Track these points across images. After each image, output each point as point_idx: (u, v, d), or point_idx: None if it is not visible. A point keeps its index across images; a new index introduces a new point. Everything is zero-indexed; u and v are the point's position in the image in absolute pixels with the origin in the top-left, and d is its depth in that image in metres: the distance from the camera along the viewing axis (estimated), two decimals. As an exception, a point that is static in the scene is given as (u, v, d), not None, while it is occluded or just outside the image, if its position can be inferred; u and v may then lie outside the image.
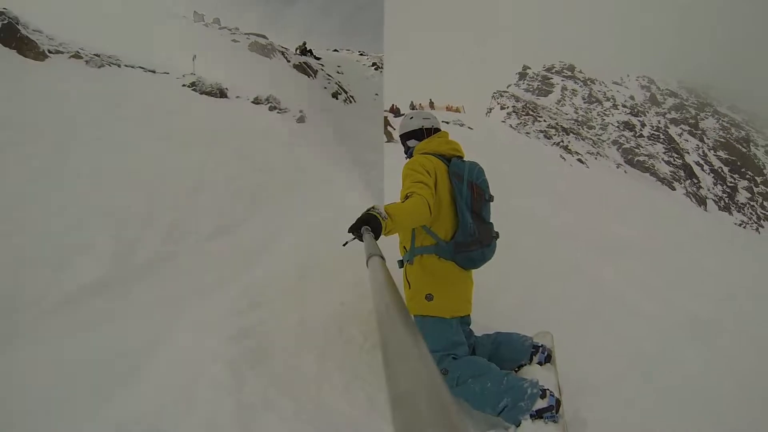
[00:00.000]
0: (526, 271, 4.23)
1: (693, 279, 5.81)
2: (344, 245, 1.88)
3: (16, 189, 3.72)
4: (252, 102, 13.39)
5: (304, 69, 19.25)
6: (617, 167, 38.88)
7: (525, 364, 2.62)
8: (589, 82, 65.97)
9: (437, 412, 0.43)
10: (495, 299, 3.34)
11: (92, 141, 4.83)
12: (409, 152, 2.77)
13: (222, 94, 12.41)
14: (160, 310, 2.84)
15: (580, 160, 30.31)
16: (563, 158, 25.36)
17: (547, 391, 2.17)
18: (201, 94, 11.62)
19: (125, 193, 4.26)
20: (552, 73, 67.32)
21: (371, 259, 1.23)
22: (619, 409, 2.42)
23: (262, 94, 13.88)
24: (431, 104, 33.42)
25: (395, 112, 23.46)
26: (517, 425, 2.12)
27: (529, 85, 65.63)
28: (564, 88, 63.48)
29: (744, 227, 40.52)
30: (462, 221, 2.36)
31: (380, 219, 1.75)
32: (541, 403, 2.12)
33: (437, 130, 2.75)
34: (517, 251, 4.03)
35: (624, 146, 46.60)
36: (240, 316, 2.69)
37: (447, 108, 32.56)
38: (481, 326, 2.87)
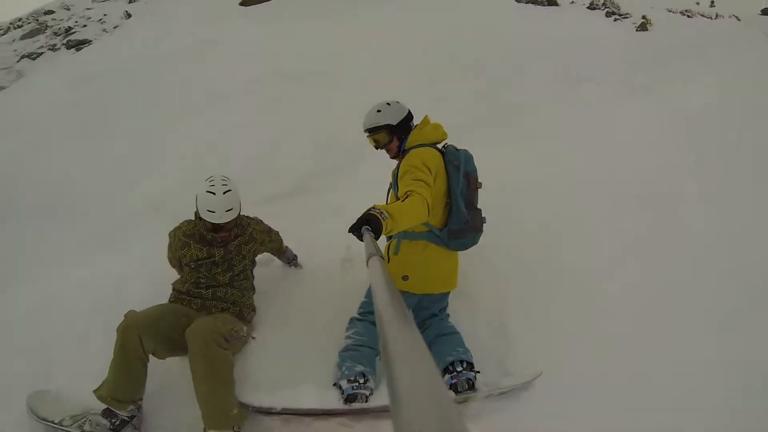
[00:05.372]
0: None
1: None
2: None
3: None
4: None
5: None
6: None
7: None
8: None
9: (437, 413, 0.43)
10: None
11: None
12: (401, 146, 2.61)
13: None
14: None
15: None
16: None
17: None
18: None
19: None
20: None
21: (371, 259, 1.23)
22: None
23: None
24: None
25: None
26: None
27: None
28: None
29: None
30: (456, 210, 2.44)
31: (381, 219, 1.77)
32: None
33: (411, 116, 2.69)
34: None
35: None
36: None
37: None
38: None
